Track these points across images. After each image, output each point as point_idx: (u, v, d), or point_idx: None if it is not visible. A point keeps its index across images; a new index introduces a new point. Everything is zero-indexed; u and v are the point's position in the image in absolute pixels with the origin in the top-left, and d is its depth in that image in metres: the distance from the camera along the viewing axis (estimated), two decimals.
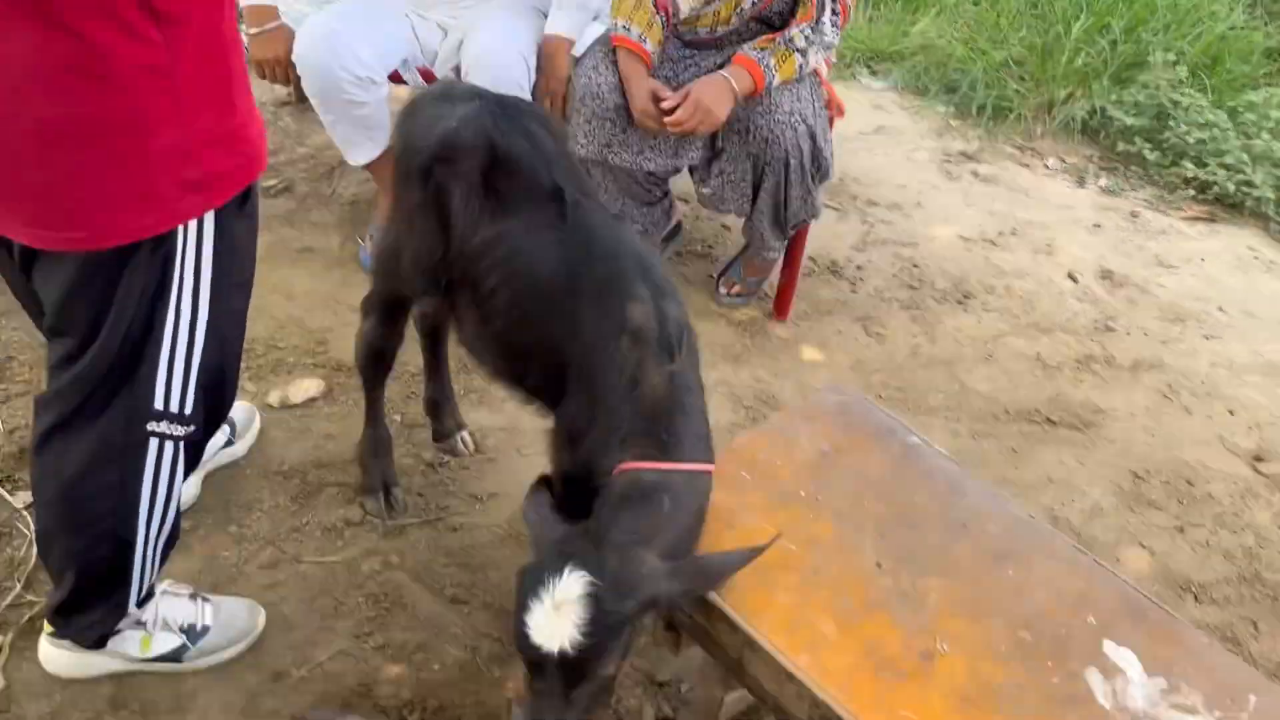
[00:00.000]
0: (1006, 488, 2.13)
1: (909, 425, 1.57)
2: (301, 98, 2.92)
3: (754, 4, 2.18)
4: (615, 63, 2.20)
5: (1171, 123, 3.61)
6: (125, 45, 1.10)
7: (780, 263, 2.57)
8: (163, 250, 1.22)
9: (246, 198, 1.33)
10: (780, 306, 2.57)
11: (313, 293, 2.49)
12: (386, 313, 1.82)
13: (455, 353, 1.89)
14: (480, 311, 1.58)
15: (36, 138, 1.11)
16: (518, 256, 1.53)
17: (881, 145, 3.51)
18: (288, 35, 2.27)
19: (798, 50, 2.13)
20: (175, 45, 1.14)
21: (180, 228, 1.23)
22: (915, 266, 2.87)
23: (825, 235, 2.89)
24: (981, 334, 2.66)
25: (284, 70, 2.31)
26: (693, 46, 2.29)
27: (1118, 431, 2.40)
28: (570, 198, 1.53)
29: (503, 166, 1.55)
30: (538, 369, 1.53)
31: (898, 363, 2.52)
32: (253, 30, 2.28)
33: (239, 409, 1.97)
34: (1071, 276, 2.96)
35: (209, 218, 1.26)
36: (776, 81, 2.14)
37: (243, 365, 1.84)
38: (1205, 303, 2.93)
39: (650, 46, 2.17)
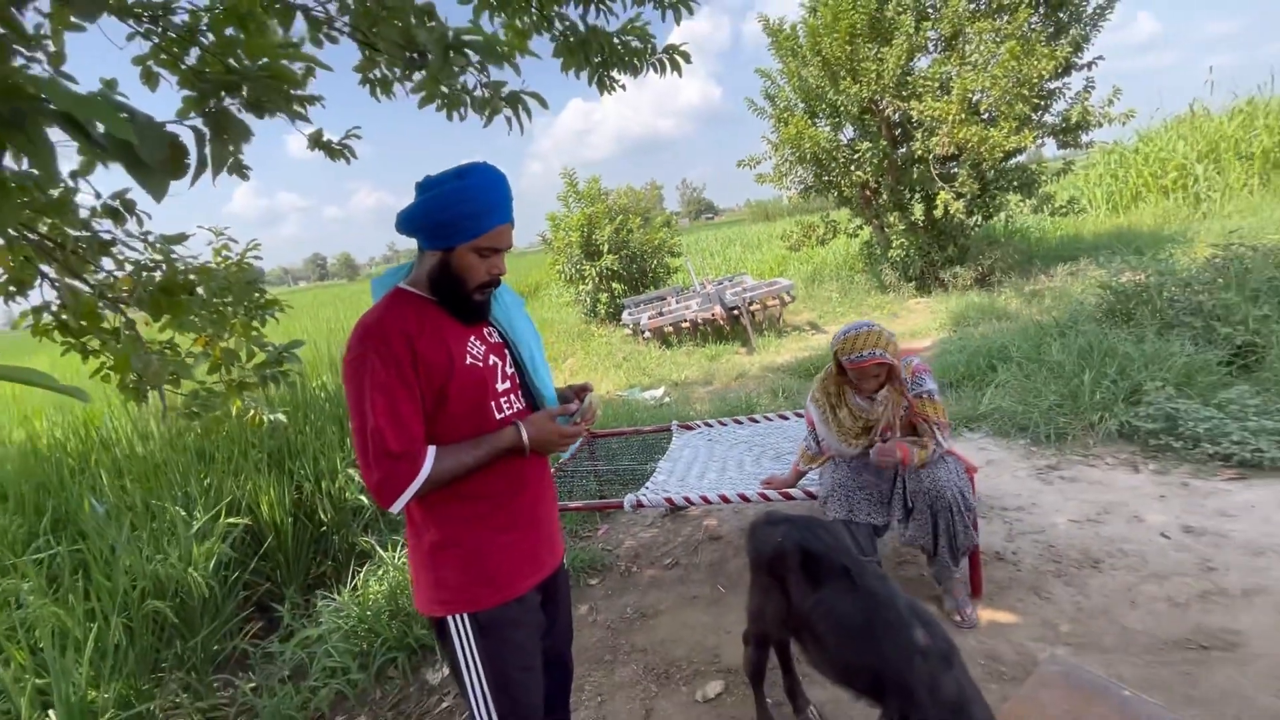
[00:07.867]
0: (1196, 706, 2.53)
1: (1117, 680, 1.93)
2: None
3: (881, 433, 3.37)
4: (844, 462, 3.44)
5: (1179, 422, 4.53)
6: None
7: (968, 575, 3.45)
8: (448, 632, 1.46)
9: (506, 610, 1.43)
10: (975, 590, 3.49)
11: (703, 624, 3.53)
12: (760, 643, 2.65)
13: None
14: (817, 645, 2.23)
15: None
16: (833, 612, 2.17)
17: (994, 472, 4.74)
18: None
19: (923, 448, 3.27)
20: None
21: (450, 619, 1.45)
22: (1051, 546, 3.76)
23: (985, 535, 3.91)
24: (1119, 586, 3.29)
25: None
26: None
27: (1262, 646, 2.78)
28: (856, 573, 2.17)
29: (812, 559, 2.29)
30: (860, 680, 2.10)
31: (1070, 616, 3.13)
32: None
33: None
34: (1163, 534, 3.65)
35: (465, 619, 1.40)
36: (916, 461, 3.22)
37: (675, 671, 2.78)
38: (1272, 536, 3.47)
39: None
